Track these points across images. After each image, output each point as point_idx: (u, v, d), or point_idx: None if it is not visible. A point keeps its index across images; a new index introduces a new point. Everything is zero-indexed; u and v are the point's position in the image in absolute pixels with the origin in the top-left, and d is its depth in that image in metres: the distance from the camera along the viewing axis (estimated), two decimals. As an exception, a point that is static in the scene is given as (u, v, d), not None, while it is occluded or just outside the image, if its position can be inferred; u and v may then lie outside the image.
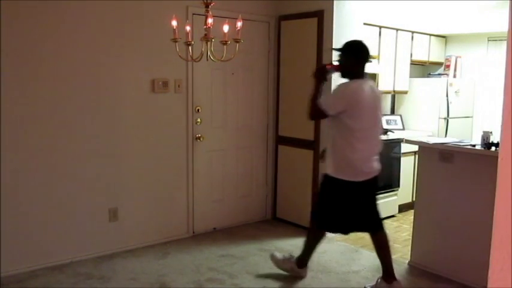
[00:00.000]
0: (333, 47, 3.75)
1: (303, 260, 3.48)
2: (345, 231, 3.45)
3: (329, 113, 3.11)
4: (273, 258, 3.60)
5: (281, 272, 3.57)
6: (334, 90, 3.25)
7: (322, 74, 3.22)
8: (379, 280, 3.32)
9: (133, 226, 4.00)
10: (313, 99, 3.17)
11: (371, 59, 3.27)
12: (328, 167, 3.23)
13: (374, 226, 3.31)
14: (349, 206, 3.21)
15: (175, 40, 2.92)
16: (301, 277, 3.48)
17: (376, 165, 3.22)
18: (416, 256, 3.76)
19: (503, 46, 5.54)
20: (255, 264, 3.77)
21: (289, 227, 4.70)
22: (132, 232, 4.00)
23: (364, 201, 3.26)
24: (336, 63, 3.28)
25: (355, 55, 3.17)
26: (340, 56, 3.22)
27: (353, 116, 3.04)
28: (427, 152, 3.67)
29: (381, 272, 3.31)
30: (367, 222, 3.30)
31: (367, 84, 3.13)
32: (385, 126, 5.67)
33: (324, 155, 3.44)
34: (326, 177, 3.25)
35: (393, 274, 3.29)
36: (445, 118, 5.61)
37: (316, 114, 3.21)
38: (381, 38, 5.24)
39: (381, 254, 3.31)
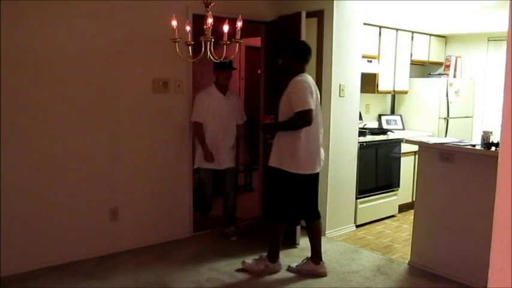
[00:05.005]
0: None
1: (274, 255, 3.59)
2: (298, 221, 3.74)
3: (311, 107, 3.16)
4: (245, 264, 3.60)
5: (280, 273, 3.58)
6: (294, 89, 3.24)
7: (269, 126, 3.52)
8: (305, 261, 3.58)
9: (133, 226, 4.00)
10: (289, 121, 3.24)
11: (309, 57, 3.41)
12: (284, 162, 3.31)
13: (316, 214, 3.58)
14: (307, 195, 3.45)
15: (175, 40, 2.92)
16: (276, 271, 3.55)
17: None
18: (416, 256, 3.76)
19: (503, 46, 5.54)
20: (255, 264, 3.76)
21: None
22: (132, 232, 4.00)
23: (315, 189, 3.52)
24: (269, 118, 3.57)
25: (296, 54, 3.28)
26: (283, 56, 3.36)
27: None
28: (427, 152, 3.67)
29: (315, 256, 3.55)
30: (313, 209, 3.55)
31: (310, 78, 3.33)
32: (385, 126, 5.69)
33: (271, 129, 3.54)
34: (285, 173, 3.31)
35: (320, 256, 3.57)
36: (445, 118, 5.61)
37: (306, 116, 3.16)
38: (381, 38, 5.24)
39: (314, 239, 3.56)
